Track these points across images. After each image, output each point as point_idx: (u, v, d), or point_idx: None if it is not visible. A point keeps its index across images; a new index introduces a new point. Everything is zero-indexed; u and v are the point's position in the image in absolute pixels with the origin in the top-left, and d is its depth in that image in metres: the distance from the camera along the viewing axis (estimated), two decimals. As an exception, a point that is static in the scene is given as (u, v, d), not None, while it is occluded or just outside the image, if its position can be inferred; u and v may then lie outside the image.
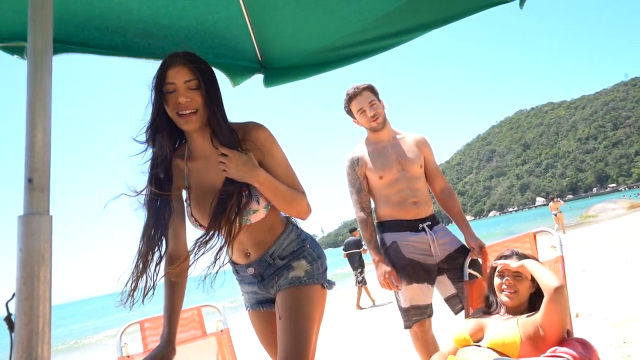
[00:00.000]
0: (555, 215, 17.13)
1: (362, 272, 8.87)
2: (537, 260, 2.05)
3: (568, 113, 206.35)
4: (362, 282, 8.86)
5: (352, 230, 9.54)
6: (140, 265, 1.43)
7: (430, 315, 2.44)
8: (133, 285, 1.42)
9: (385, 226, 2.50)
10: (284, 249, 1.60)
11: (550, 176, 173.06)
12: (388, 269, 2.38)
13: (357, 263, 8.98)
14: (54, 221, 0.91)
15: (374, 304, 8.92)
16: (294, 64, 2.21)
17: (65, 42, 1.73)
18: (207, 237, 1.43)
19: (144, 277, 1.43)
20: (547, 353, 1.72)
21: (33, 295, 0.86)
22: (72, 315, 46.38)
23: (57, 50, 1.70)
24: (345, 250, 9.30)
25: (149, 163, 1.51)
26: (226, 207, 1.43)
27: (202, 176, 1.55)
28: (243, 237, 1.57)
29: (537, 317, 1.82)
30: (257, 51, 2.13)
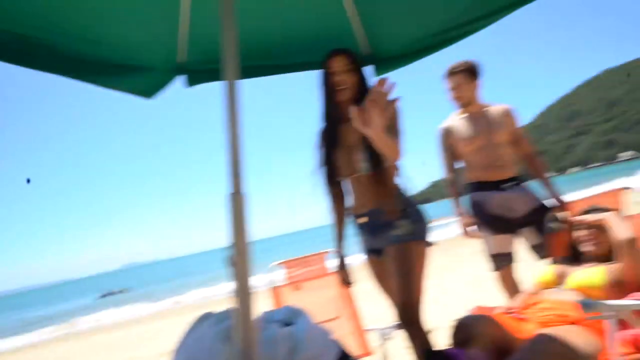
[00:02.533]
0: None
1: None
2: (618, 215, 1.88)
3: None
4: None
5: None
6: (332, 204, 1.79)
7: (513, 262, 2.38)
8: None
9: (473, 186, 2.45)
10: (392, 206, 1.62)
11: (638, 130, 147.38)
12: (467, 221, 2.46)
13: None
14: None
15: None
16: (400, 52, 2.14)
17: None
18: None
19: None
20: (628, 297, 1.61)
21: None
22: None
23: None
24: None
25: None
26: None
27: (342, 136, 1.72)
28: (362, 187, 1.68)
29: (619, 266, 1.69)
30: (366, 44, 2.04)
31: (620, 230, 1.71)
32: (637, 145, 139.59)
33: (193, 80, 1.91)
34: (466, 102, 2.41)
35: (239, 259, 1.10)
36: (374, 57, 2.18)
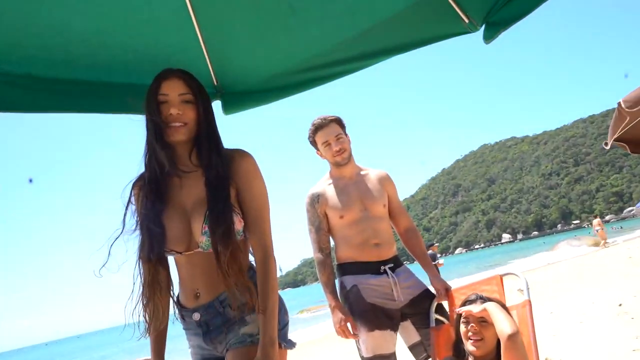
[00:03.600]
0: (598, 231, 20.72)
1: None
2: (503, 303, 2.07)
3: (531, 148, 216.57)
4: None
5: (430, 246, 11.40)
6: (147, 293, 1.47)
7: (393, 366, 2.39)
8: (145, 312, 1.46)
9: (345, 268, 2.47)
10: (238, 296, 1.45)
11: (515, 212, 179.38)
12: (343, 316, 2.35)
13: None
14: None
15: None
16: (253, 88, 2.21)
17: None
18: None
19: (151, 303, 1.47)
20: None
21: None
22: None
23: None
24: None
25: (145, 186, 1.52)
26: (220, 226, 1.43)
27: (174, 193, 1.52)
28: (197, 269, 1.49)
29: None
30: (212, 75, 2.12)
31: (501, 324, 1.86)
32: (513, 227, 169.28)
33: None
34: (347, 158, 2.50)
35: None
36: (221, 91, 2.19)
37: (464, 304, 2.09)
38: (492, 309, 1.95)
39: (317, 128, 2.50)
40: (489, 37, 1.81)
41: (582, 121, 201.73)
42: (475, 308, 2.00)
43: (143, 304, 1.47)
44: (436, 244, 12.50)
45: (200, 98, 1.52)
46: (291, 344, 1.58)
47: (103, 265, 1.41)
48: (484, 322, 1.97)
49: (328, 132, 2.48)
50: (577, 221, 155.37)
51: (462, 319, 2.05)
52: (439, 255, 11.74)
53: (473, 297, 2.10)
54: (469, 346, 1.98)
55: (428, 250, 10.18)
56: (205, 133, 1.52)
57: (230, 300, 1.46)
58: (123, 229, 1.49)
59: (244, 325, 1.47)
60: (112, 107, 1.97)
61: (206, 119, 1.53)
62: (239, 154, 1.54)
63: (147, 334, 1.52)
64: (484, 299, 2.05)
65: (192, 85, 1.51)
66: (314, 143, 2.57)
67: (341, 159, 2.49)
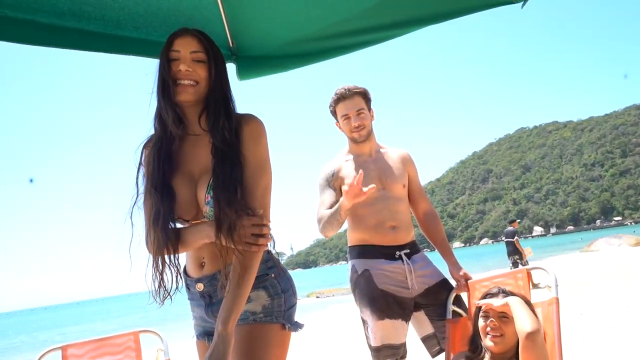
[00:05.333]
0: None
1: (515, 258, 12.07)
2: (528, 299, 2.07)
3: (574, 135, 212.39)
4: (514, 266, 11.85)
5: (511, 222, 13.06)
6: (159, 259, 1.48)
7: (403, 357, 2.42)
8: (159, 278, 1.48)
9: (358, 251, 2.48)
10: None
11: (550, 203, 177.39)
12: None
13: (511, 249, 12.24)
14: None
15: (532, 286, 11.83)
16: (271, 53, 2.20)
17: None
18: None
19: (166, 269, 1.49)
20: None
21: None
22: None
23: None
24: (503, 238, 12.91)
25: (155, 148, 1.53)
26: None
27: (183, 159, 1.55)
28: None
29: None
30: (228, 36, 2.10)
31: (522, 320, 1.86)
32: (547, 219, 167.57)
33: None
34: (366, 135, 2.49)
35: None
36: (237, 54, 2.18)
37: (484, 296, 2.09)
38: (515, 303, 1.95)
39: (339, 99, 2.49)
40: None
41: (636, 108, 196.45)
42: (496, 302, 2.00)
43: (157, 270, 1.49)
44: (517, 220, 13.76)
45: (214, 58, 1.53)
46: (297, 326, 1.59)
47: (131, 241, 1.46)
48: (504, 317, 1.97)
49: (350, 105, 2.47)
50: (619, 218, 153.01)
51: (481, 313, 2.05)
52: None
53: (495, 290, 2.09)
54: (487, 342, 1.98)
55: (510, 225, 11.62)
56: (216, 95, 1.52)
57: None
58: (137, 194, 1.53)
59: (247, 302, 1.49)
60: (124, 48, 1.98)
61: (218, 80, 1.53)
62: (246, 119, 1.55)
63: (162, 302, 1.53)
64: (507, 293, 2.05)
65: (205, 44, 1.52)
66: (334, 113, 2.57)
67: (359, 136, 2.48)
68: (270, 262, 1.58)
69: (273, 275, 1.56)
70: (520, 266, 11.95)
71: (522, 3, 1.75)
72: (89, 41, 1.90)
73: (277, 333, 1.52)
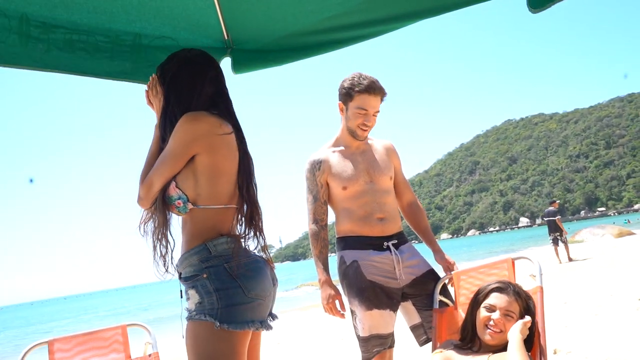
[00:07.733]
0: None
1: (557, 235, 13.43)
2: (533, 302, 2.08)
3: (559, 127, 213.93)
4: (554, 242, 13.57)
5: (552, 202, 14.28)
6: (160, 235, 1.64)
7: (391, 346, 2.44)
8: (164, 251, 1.64)
9: (346, 242, 2.49)
10: (184, 268, 1.62)
11: (536, 195, 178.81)
12: (332, 292, 2.39)
13: (553, 228, 13.51)
14: None
15: (569, 260, 13.59)
16: (266, 47, 2.18)
17: None
18: None
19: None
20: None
21: None
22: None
23: None
24: (544, 217, 14.08)
25: None
26: None
27: None
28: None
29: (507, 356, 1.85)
30: (223, 28, 2.08)
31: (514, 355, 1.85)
32: (532, 210, 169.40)
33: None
34: (366, 137, 2.50)
35: None
36: (232, 47, 2.16)
37: (492, 290, 2.08)
38: (513, 337, 1.92)
39: (366, 89, 2.36)
40: (536, 7, 1.69)
41: (620, 100, 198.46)
42: (502, 299, 2.01)
43: (159, 241, 1.65)
44: (557, 201, 14.70)
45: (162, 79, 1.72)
46: (243, 325, 1.57)
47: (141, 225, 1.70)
48: (509, 315, 1.99)
49: (373, 102, 2.39)
50: (603, 208, 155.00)
51: (487, 305, 2.04)
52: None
53: (503, 285, 2.09)
54: (485, 335, 2.00)
55: (551, 206, 12.80)
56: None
57: (180, 269, 1.64)
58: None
59: (188, 299, 1.61)
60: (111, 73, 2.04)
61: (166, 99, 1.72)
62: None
63: (166, 271, 1.67)
64: (517, 292, 2.05)
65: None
66: (347, 96, 2.40)
67: (362, 134, 2.46)
68: (210, 262, 1.59)
69: (205, 275, 1.58)
70: (560, 243, 13.76)
71: (529, 3, 1.70)
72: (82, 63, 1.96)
73: (206, 330, 1.55)
